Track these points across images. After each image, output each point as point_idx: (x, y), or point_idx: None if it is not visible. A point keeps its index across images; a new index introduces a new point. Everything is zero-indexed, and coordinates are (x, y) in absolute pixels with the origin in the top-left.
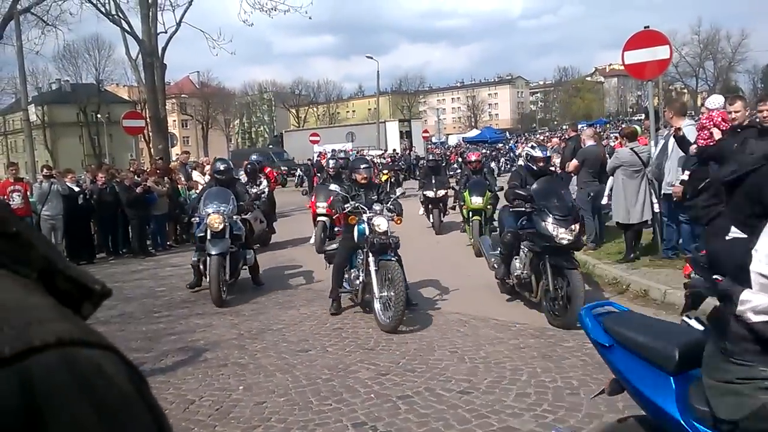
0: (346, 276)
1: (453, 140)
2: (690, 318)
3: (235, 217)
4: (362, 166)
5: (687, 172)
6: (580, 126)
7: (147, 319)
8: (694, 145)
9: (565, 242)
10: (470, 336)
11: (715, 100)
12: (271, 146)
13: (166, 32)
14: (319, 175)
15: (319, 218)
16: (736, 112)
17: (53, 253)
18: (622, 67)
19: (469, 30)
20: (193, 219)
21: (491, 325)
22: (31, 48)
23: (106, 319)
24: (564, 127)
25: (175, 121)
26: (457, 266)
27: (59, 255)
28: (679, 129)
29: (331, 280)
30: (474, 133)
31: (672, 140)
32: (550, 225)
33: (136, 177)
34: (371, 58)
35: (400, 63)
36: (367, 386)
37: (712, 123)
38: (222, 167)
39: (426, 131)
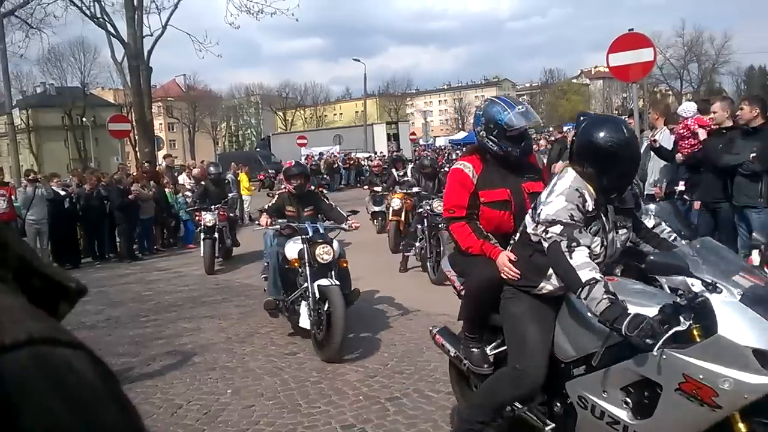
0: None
1: (440, 142)
2: None
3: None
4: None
5: (682, 183)
6: (566, 128)
7: (134, 323)
8: (679, 155)
9: None
10: None
11: (688, 108)
12: (258, 149)
13: (151, 35)
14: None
15: None
16: (713, 113)
17: (28, 252)
18: (608, 70)
19: (457, 32)
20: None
21: None
22: (15, 51)
23: (92, 323)
24: (550, 128)
25: (161, 124)
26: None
27: (34, 254)
28: (655, 141)
29: None
30: (461, 135)
31: None
32: None
33: (133, 182)
34: (358, 60)
35: (388, 65)
36: (355, 388)
37: (689, 131)
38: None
39: (413, 133)
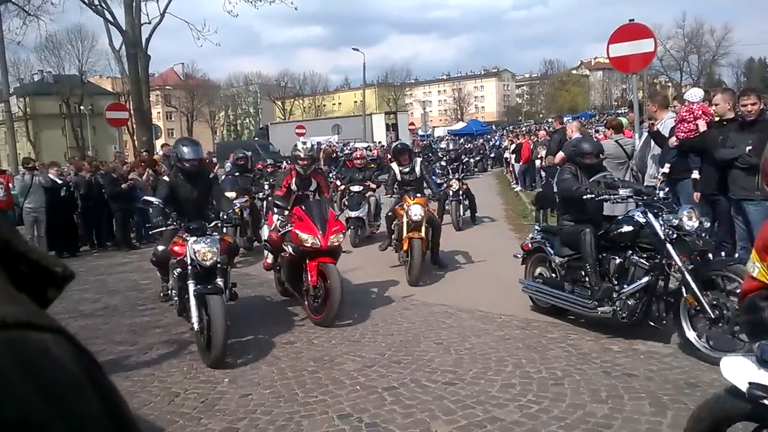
0: None
1: (439, 132)
2: None
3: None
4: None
5: (668, 165)
6: (565, 119)
7: (131, 312)
8: (674, 138)
9: None
10: (456, 327)
11: (696, 93)
12: (257, 138)
13: (149, 23)
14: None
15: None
16: (716, 105)
17: (14, 236)
18: (608, 61)
19: (458, 21)
20: None
21: (477, 317)
22: (12, 38)
23: (90, 311)
24: (549, 119)
25: (159, 113)
26: (443, 257)
27: (20, 238)
28: (653, 124)
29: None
30: (460, 125)
31: None
32: None
33: (124, 168)
34: (357, 50)
35: (389, 54)
36: (352, 378)
37: (692, 116)
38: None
39: (412, 124)
